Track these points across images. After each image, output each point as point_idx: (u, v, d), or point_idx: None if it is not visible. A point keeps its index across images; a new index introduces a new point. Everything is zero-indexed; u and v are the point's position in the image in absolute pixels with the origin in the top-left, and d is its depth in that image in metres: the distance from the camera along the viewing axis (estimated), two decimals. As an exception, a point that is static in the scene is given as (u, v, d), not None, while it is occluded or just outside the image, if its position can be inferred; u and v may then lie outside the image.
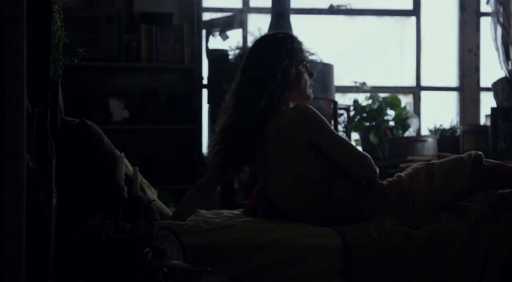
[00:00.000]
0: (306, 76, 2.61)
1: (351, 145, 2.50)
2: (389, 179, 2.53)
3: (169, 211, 2.64)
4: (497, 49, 5.28)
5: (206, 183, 2.65)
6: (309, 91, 2.63)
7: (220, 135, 2.57)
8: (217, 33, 5.36)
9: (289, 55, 2.54)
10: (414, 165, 2.60)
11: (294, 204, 2.53)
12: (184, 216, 2.53)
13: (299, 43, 2.62)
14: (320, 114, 2.49)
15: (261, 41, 2.64)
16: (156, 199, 2.70)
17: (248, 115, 2.50)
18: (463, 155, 2.55)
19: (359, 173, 2.47)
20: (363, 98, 5.48)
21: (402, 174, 2.55)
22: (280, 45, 2.55)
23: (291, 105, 2.60)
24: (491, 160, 2.57)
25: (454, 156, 2.61)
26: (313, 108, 2.50)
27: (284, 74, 2.51)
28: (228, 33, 5.38)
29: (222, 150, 2.56)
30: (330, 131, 2.48)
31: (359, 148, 2.84)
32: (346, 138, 2.57)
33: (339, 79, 5.46)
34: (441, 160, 2.60)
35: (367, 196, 2.46)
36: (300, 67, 2.59)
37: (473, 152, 2.54)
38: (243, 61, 2.62)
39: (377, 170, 2.48)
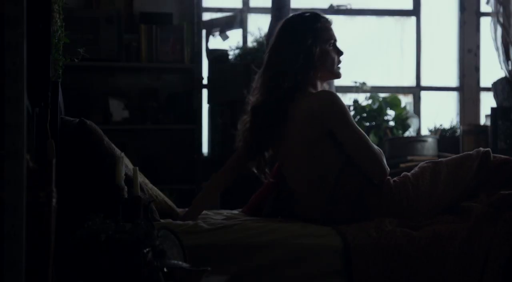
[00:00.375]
0: (333, 54, 2.61)
1: (368, 140, 2.49)
2: (395, 178, 2.53)
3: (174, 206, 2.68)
4: (497, 49, 5.27)
5: (228, 171, 2.68)
6: (337, 69, 2.63)
7: (251, 114, 2.59)
8: (217, 33, 5.36)
9: (313, 35, 2.53)
10: (421, 164, 2.59)
11: (297, 198, 2.53)
12: (193, 215, 2.55)
13: (326, 22, 2.60)
14: (344, 103, 2.49)
15: (287, 22, 2.63)
16: (163, 195, 2.72)
17: (270, 97, 2.51)
18: (471, 152, 2.54)
19: (370, 169, 2.47)
20: (363, 98, 5.48)
21: (408, 173, 2.55)
22: (305, 25, 2.56)
23: (319, 85, 2.60)
24: (500, 155, 2.55)
25: (463, 153, 2.60)
26: (337, 96, 2.49)
27: (307, 54, 2.51)
28: (228, 33, 5.37)
29: (252, 128, 2.57)
30: (350, 122, 2.48)
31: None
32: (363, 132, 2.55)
33: (339, 79, 5.44)
34: (449, 157, 2.59)
35: (373, 194, 2.45)
36: (327, 46, 2.58)
37: (482, 148, 2.53)
38: (271, 41, 2.62)
39: (388, 170, 2.48)
